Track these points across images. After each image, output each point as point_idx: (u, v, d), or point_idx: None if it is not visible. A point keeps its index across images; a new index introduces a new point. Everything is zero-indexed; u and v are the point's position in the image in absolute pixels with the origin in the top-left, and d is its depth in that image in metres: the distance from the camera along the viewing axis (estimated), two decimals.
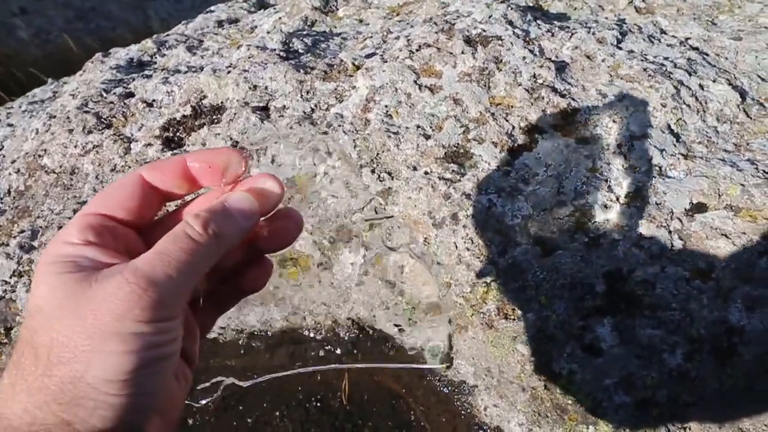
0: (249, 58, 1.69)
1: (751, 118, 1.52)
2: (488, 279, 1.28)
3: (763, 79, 1.66)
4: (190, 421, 1.38)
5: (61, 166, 1.61)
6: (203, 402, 1.41)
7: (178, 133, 1.60)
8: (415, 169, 1.39)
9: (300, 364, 1.38)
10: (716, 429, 1.17)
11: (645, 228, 1.29)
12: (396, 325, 1.32)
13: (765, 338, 1.19)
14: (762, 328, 1.19)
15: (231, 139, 1.50)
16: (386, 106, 1.49)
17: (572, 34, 1.69)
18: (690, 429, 1.17)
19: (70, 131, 1.64)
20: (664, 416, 1.16)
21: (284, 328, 1.39)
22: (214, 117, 1.60)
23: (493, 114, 1.46)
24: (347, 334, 1.37)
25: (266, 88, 1.61)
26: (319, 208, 1.36)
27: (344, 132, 1.47)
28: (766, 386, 1.17)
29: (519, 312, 1.25)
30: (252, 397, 1.40)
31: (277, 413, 1.36)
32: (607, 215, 1.30)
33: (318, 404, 1.36)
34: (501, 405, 1.21)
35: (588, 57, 1.63)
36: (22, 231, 1.48)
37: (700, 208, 1.34)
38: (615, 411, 1.15)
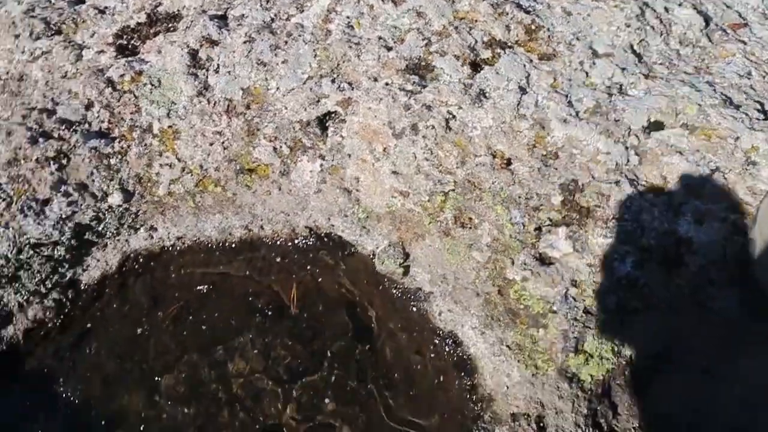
0: None
1: (713, 43, 1.52)
2: (446, 189, 1.28)
3: (728, 6, 1.66)
4: (150, 326, 1.37)
5: (8, 73, 1.54)
6: (160, 314, 1.40)
7: (132, 41, 1.54)
8: (375, 80, 1.36)
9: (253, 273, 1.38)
10: (660, 334, 1.21)
11: (603, 143, 1.30)
12: (352, 232, 1.32)
13: (710, 250, 1.22)
14: (708, 240, 1.22)
15: (188, 46, 1.45)
16: (348, 17, 1.45)
17: None
18: (635, 335, 1.21)
19: (16, 36, 1.56)
20: (612, 322, 1.19)
21: (243, 236, 1.38)
22: (170, 24, 1.54)
23: (456, 27, 1.43)
24: (304, 241, 1.36)
25: None
26: (276, 116, 1.34)
27: (304, 42, 1.43)
28: (709, 295, 1.21)
29: (476, 221, 1.25)
30: (208, 307, 1.39)
31: (234, 322, 1.37)
32: (567, 130, 1.31)
33: (276, 314, 1.37)
34: (455, 310, 1.23)
35: None
36: None
37: (657, 125, 1.35)
38: (565, 315, 1.18)
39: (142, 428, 1.30)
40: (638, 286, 1.21)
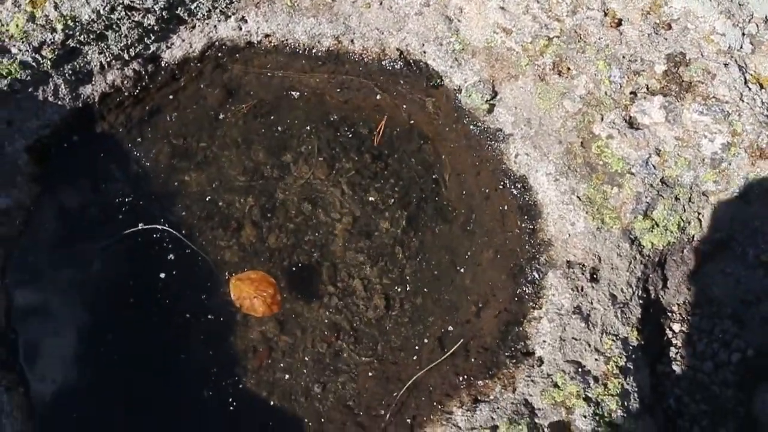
0: None
1: None
2: (551, 34, 1.25)
3: None
4: (222, 116, 1.38)
5: None
6: (234, 107, 1.40)
7: None
8: None
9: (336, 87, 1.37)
10: (727, 221, 1.21)
11: (720, 23, 1.26)
12: (443, 62, 1.30)
13: None
14: None
15: None
16: None
17: None
18: (703, 216, 1.21)
19: None
20: (684, 197, 1.19)
21: (331, 47, 1.36)
22: None
23: None
24: (392, 64, 1.34)
25: None
26: None
27: None
28: None
29: (574, 71, 1.23)
30: (282, 110, 1.40)
31: (307, 128, 1.37)
32: (686, 3, 1.26)
33: (348, 129, 1.37)
34: (533, 155, 1.22)
35: None
36: None
37: None
38: (642, 179, 1.17)
39: (199, 208, 1.33)
40: (719, 169, 1.20)
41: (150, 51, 1.42)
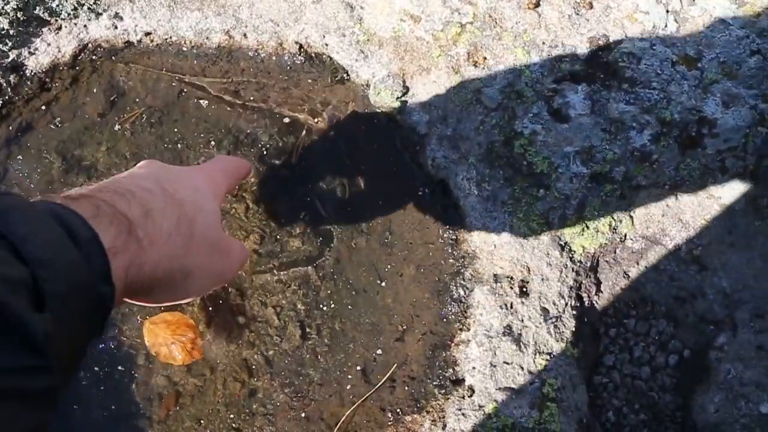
0: None
1: None
2: (464, 20, 1.12)
3: None
4: (105, 128, 1.20)
5: None
6: (117, 118, 1.23)
7: None
8: None
9: (229, 83, 1.21)
10: (659, 216, 1.13)
11: (644, 1, 1.15)
12: (348, 55, 1.15)
13: (731, 136, 1.13)
14: (733, 125, 1.12)
15: None
16: None
17: None
18: (634, 213, 1.13)
19: None
20: (614, 193, 1.10)
21: (222, 43, 1.20)
22: None
23: None
24: (292, 59, 1.19)
25: None
26: None
27: None
28: (718, 182, 1.13)
29: (491, 61, 1.11)
30: (172, 118, 1.23)
31: (203, 136, 1.21)
32: None
33: (249, 136, 1.22)
34: (451, 157, 1.11)
35: None
36: None
37: None
38: (569, 179, 1.08)
39: None
40: (649, 162, 1.11)
41: (9, 59, 1.22)
